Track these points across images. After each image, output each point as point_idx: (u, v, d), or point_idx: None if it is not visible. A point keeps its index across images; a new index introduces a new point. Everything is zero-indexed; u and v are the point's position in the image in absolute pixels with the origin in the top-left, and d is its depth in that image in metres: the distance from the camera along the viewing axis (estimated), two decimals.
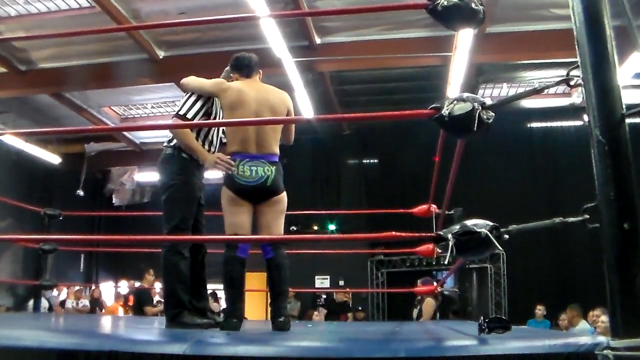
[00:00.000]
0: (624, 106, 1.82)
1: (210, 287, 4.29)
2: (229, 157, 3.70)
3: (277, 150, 3.77)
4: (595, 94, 1.83)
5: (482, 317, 2.38)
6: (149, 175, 14.35)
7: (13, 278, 12.40)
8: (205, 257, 4.10)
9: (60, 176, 14.05)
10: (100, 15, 8.18)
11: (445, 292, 9.14)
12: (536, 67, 10.34)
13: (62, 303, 11.71)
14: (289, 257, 3.76)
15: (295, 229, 11.70)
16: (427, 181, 5.04)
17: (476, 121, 2.04)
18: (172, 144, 3.93)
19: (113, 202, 15.51)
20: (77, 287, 12.30)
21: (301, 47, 9.21)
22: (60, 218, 6.34)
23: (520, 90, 11.07)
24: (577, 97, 11.03)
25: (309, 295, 12.94)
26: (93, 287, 13.37)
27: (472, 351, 1.94)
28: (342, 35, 9.29)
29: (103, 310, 11.60)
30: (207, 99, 3.97)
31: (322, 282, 13.22)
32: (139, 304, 8.53)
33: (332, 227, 12.94)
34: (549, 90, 10.27)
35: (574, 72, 1.95)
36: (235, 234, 3.68)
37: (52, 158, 13.53)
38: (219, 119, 4.04)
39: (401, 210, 5.65)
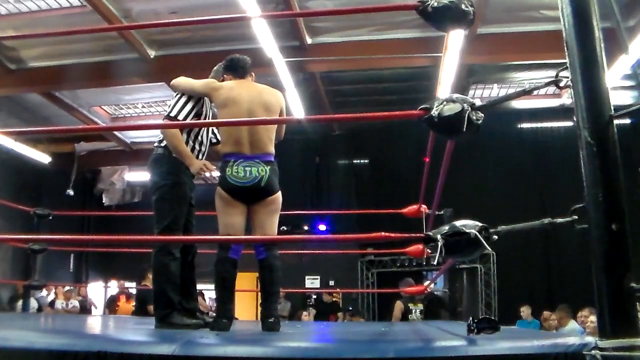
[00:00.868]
0: (612, 107, 1.83)
1: (199, 287, 4.28)
2: (223, 158, 3.70)
3: (271, 150, 3.76)
4: (584, 95, 1.84)
5: (471, 318, 2.39)
6: (140, 175, 14.29)
7: (1, 278, 12.32)
8: (195, 257, 4.10)
9: (50, 176, 13.98)
10: (91, 14, 8.14)
11: (435, 293, 9.18)
12: (526, 68, 10.38)
13: (52, 303, 11.64)
14: (279, 258, 3.76)
15: (285, 229, 11.69)
16: (418, 181, 5.06)
17: (465, 122, 2.05)
18: (163, 144, 3.93)
19: (103, 201, 15.44)
20: (67, 288, 12.23)
21: (292, 48, 9.20)
22: (50, 218, 6.30)
23: (511, 91, 11.10)
24: (567, 98, 11.06)
25: (299, 295, 12.93)
26: (81, 287, 13.30)
27: (461, 352, 1.95)
28: (333, 36, 9.29)
29: (107, 311, 11.54)
30: (197, 99, 3.97)
31: (312, 282, 13.23)
32: (143, 303, 8.48)
33: (322, 227, 12.93)
34: (539, 91, 10.38)
35: (563, 74, 1.96)
36: (228, 235, 3.68)
37: (42, 157, 13.47)
38: (209, 119, 4.04)
39: (391, 211, 5.64)
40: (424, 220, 5.07)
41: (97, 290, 14.61)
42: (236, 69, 3.99)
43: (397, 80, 11.30)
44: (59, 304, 11.50)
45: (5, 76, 10.05)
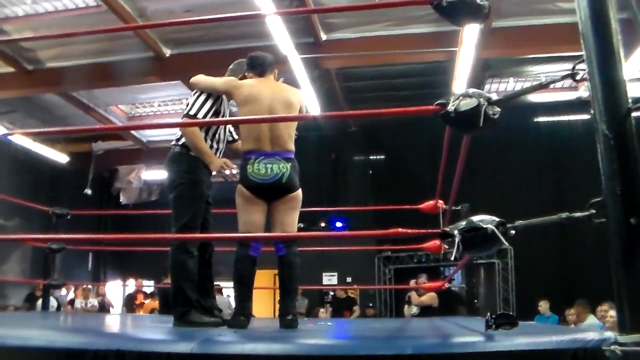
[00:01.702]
0: (629, 100, 1.81)
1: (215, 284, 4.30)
2: (243, 155, 3.71)
3: (292, 147, 3.76)
4: (601, 88, 1.82)
5: (489, 313, 2.38)
6: (156, 174, 14.38)
7: (21, 277, 12.44)
8: (213, 255, 4.11)
9: (67, 175, 14.11)
10: (106, 14, 8.21)
11: (452, 288, 9.17)
12: (543, 61, 10.31)
13: (71, 302, 11.73)
14: (299, 255, 3.77)
15: (302, 226, 11.66)
16: (434, 177, 5.03)
17: (482, 117, 2.03)
18: (180, 142, 3.94)
19: (120, 200, 15.54)
20: (85, 286, 12.31)
21: (307, 44, 9.21)
22: (68, 217, 6.34)
23: (527, 84, 11.04)
24: (584, 91, 10.98)
25: (316, 292, 12.93)
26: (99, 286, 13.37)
27: (479, 347, 1.94)
28: (347, 32, 9.28)
29: (124, 309, 11.59)
30: (216, 98, 3.97)
31: (329, 279, 13.19)
32: (168, 301, 8.53)
33: (338, 224, 12.92)
34: (555, 84, 10.30)
35: (579, 66, 1.94)
36: (249, 232, 3.69)
37: (60, 157, 13.59)
38: (227, 117, 4.05)
39: (408, 207, 5.62)
40: (440, 215, 5.04)
41: (116, 289, 14.68)
42: (255, 67, 3.99)
43: (412, 76, 11.27)
44: (78, 303, 11.58)
45: (22, 77, 10.16)
